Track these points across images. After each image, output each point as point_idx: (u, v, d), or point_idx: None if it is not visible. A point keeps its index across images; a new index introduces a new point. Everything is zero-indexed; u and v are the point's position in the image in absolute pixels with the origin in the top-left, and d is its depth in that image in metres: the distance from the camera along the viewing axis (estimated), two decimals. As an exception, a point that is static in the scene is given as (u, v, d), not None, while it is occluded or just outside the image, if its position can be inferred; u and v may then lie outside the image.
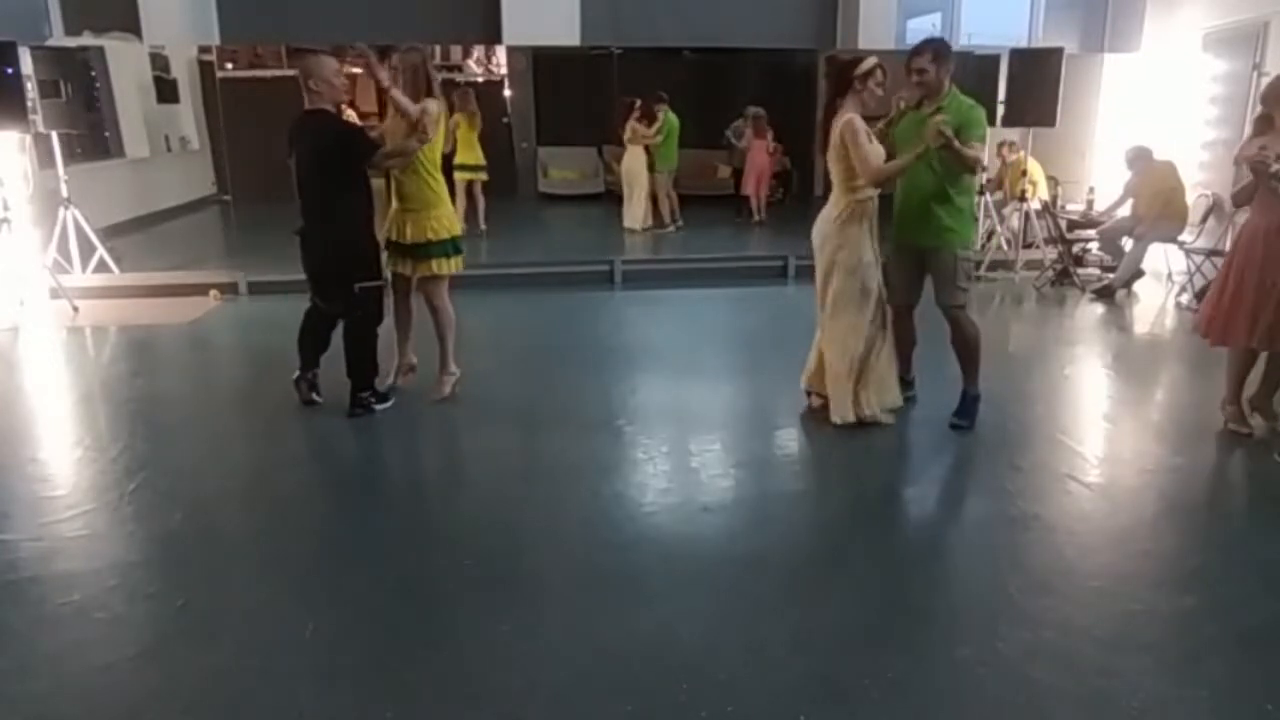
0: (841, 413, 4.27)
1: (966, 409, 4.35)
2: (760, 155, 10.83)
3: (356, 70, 4.27)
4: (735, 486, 3.77)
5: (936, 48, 4.08)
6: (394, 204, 4.51)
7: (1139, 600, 2.89)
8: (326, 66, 4.27)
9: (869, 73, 4.01)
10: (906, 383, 4.58)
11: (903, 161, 3.99)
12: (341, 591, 2.96)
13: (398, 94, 4.24)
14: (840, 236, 4.15)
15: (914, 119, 4.13)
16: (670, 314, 7.11)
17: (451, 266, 4.56)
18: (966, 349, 4.30)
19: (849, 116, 3.98)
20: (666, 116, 9.98)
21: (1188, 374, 5.73)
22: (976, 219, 4.29)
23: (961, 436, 4.30)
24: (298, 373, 4.67)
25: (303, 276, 4.58)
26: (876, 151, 4.03)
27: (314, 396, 4.65)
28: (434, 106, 4.33)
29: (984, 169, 4.06)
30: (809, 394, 4.51)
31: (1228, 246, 6.93)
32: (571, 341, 6.16)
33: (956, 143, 3.84)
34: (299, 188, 4.33)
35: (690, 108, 11.30)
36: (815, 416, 4.42)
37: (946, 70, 4.06)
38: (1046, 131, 8.04)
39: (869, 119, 4.09)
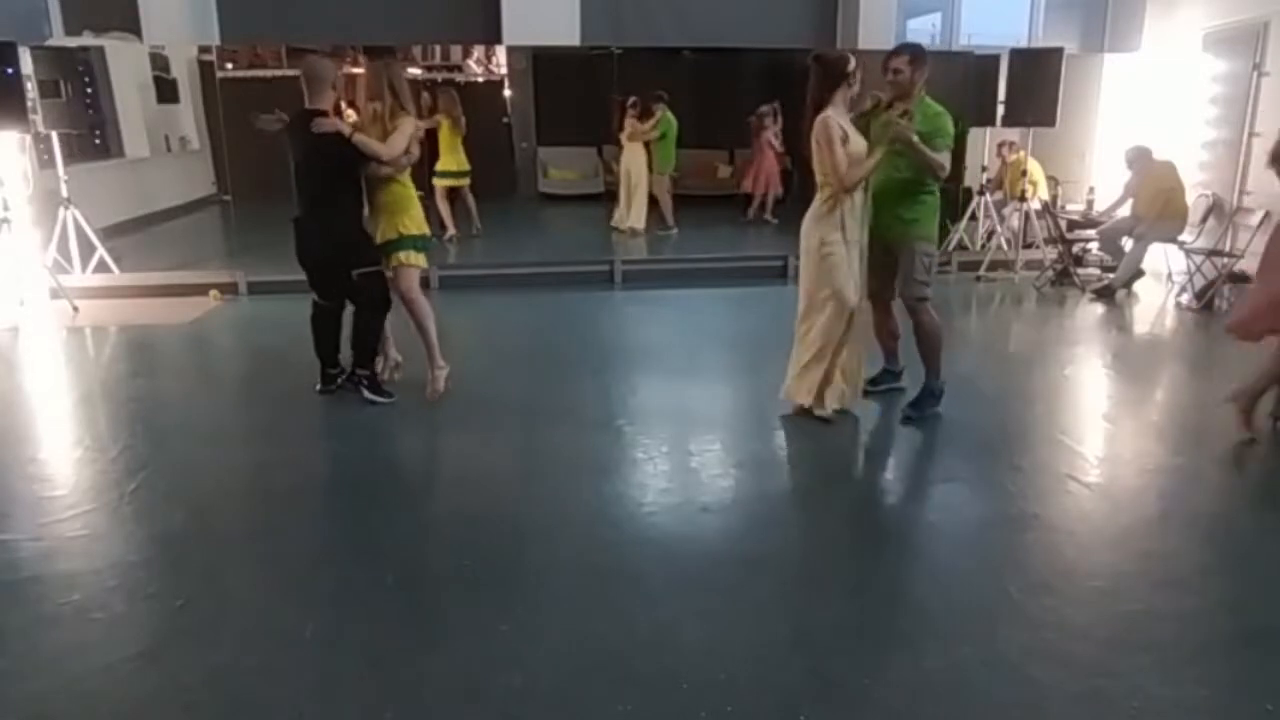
0: (803, 398, 4.35)
1: (920, 399, 4.44)
2: (760, 152, 10.83)
3: (356, 70, 4.33)
4: (735, 486, 3.77)
5: (914, 51, 4.23)
6: (365, 209, 4.60)
7: (1139, 600, 2.89)
8: (325, 69, 4.44)
9: (855, 69, 4.16)
10: (893, 374, 4.69)
11: (869, 164, 4.09)
12: (341, 591, 2.95)
13: (361, 138, 4.33)
14: (818, 227, 4.19)
15: (884, 119, 4.20)
16: (670, 314, 7.11)
17: (419, 260, 4.66)
18: (923, 343, 4.39)
19: (824, 115, 4.07)
20: (664, 115, 9.96)
21: (1188, 374, 5.73)
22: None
23: (961, 436, 4.31)
24: (319, 384, 4.79)
25: (303, 276, 4.62)
26: (855, 151, 4.07)
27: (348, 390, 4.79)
28: (409, 125, 4.44)
29: (943, 173, 4.14)
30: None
31: (1228, 247, 6.97)
32: (571, 341, 6.16)
33: (918, 143, 4.01)
34: (295, 179, 4.47)
35: (690, 108, 11.29)
36: (813, 417, 4.42)
37: (921, 74, 4.19)
38: (1046, 131, 8.03)
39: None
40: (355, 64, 8.98)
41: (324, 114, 4.34)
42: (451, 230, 9.37)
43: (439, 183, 9.14)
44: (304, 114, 4.34)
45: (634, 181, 10.03)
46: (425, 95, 9.44)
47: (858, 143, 4.09)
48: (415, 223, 4.62)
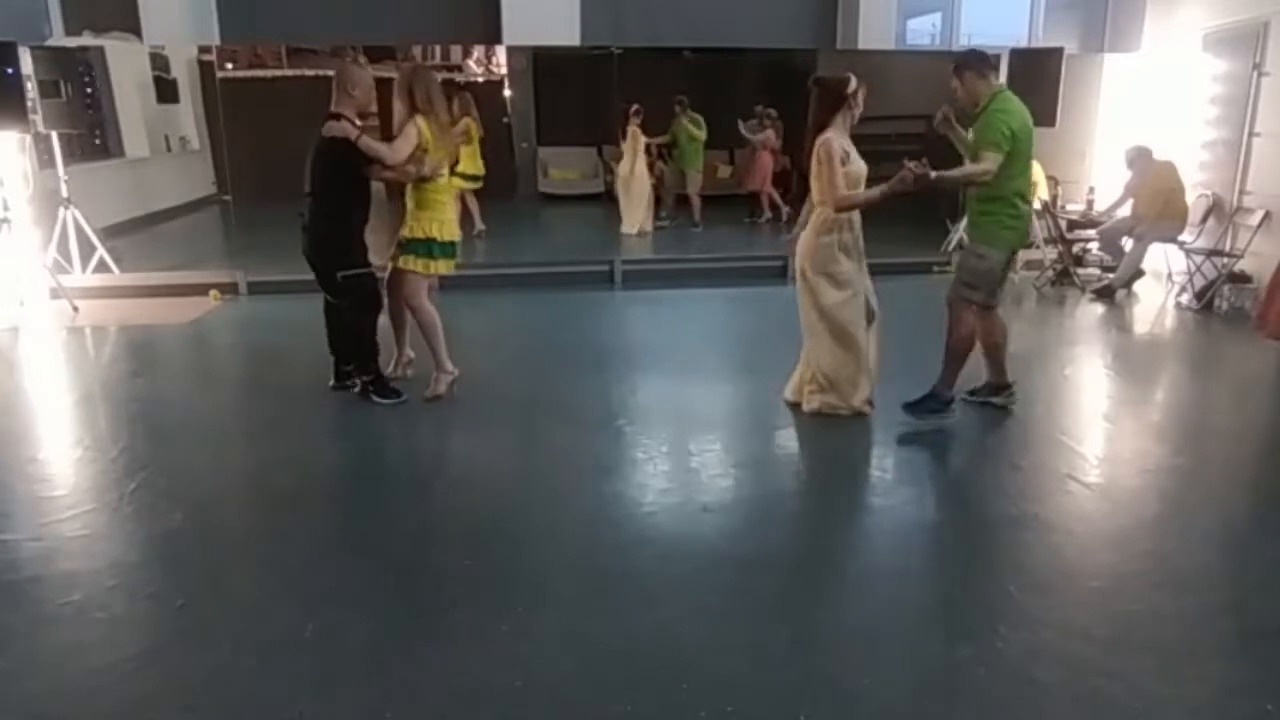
0: (852, 399, 4.38)
1: (922, 401, 4.37)
2: (757, 152, 10.87)
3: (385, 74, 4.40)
4: (735, 486, 3.77)
5: (957, 62, 4.21)
6: (409, 205, 4.63)
7: (1139, 600, 2.89)
8: (364, 79, 4.46)
9: (856, 90, 4.18)
10: (994, 387, 4.58)
11: (868, 196, 4.13)
12: (341, 591, 2.95)
13: (366, 140, 4.34)
14: (816, 250, 4.23)
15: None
16: (670, 314, 7.10)
17: (417, 265, 4.60)
18: (947, 346, 4.37)
19: (827, 136, 4.11)
20: (676, 120, 10.02)
21: (1188, 374, 5.73)
22: (1021, 227, 4.36)
23: (961, 436, 4.31)
24: (332, 380, 4.81)
25: (304, 276, 4.64)
26: (855, 172, 4.14)
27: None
28: (413, 134, 4.39)
29: (984, 178, 4.06)
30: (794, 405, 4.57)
31: (1228, 247, 6.97)
32: (571, 341, 6.16)
33: (935, 176, 3.96)
34: (306, 178, 4.50)
35: (690, 108, 11.30)
36: (813, 416, 4.42)
37: (974, 78, 4.15)
38: (1046, 131, 7.96)
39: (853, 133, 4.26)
40: (355, 62, 8.94)
41: (338, 120, 4.32)
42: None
43: (453, 183, 9.05)
44: (326, 116, 4.36)
45: (630, 188, 10.07)
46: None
47: (858, 165, 4.15)
48: (424, 226, 4.57)
